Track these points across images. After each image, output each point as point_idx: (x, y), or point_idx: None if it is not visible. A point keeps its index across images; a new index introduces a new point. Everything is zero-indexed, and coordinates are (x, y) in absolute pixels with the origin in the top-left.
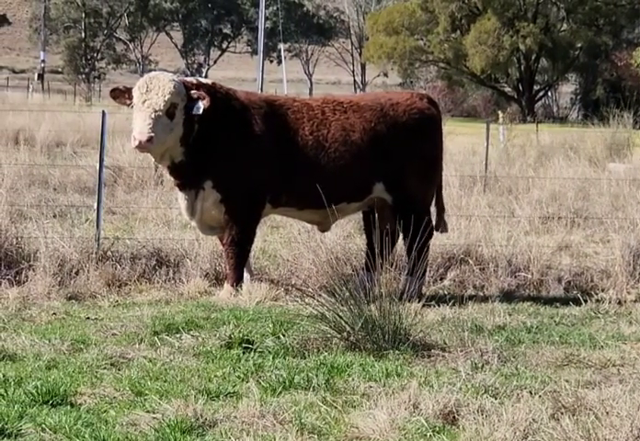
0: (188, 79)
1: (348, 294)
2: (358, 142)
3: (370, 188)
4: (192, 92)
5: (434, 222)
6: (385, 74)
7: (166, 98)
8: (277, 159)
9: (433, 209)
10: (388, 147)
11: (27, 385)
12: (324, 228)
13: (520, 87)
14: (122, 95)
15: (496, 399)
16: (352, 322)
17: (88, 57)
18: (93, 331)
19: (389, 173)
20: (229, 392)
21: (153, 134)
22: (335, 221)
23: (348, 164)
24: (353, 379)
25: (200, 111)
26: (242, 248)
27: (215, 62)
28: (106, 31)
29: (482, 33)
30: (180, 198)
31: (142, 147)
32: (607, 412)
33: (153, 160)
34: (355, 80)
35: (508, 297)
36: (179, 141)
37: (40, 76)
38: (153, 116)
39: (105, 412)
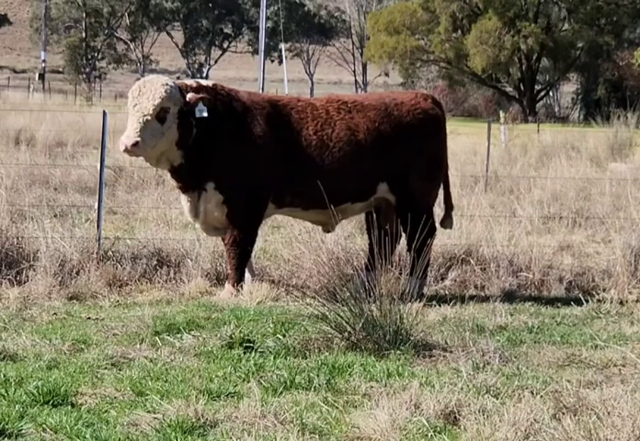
0: (188, 82)
1: (348, 294)
2: (362, 142)
3: (374, 188)
4: (189, 96)
5: (440, 218)
6: (386, 74)
7: (156, 103)
8: (280, 159)
9: (442, 208)
10: (392, 147)
11: (27, 385)
12: (328, 228)
13: (522, 87)
14: None
15: (497, 399)
16: (353, 322)
17: (89, 57)
18: (94, 331)
19: (393, 173)
20: (230, 392)
21: (139, 139)
22: (339, 222)
23: (353, 164)
24: (354, 379)
25: (205, 114)
26: (243, 248)
27: (216, 61)
28: (107, 31)
29: (483, 33)
30: (183, 200)
31: (128, 151)
32: (608, 413)
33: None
34: (356, 80)
35: (509, 297)
36: (175, 144)
37: (41, 76)
38: (141, 120)
39: (106, 412)
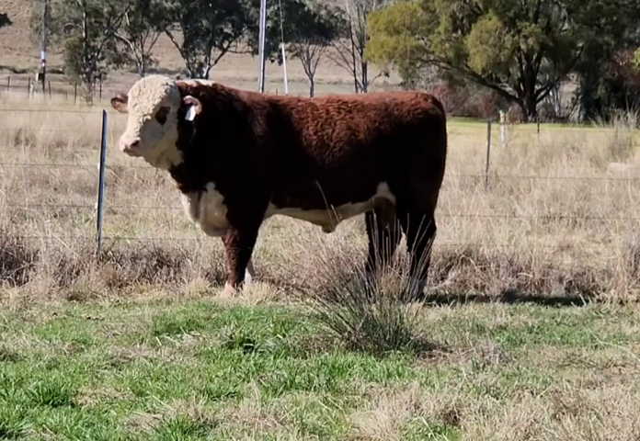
0: (189, 82)
1: (348, 294)
2: (362, 142)
3: (374, 188)
4: (186, 98)
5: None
6: (386, 74)
7: (156, 103)
8: (280, 159)
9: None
10: (392, 147)
11: (27, 385)
12: (328, 228)
13: (522, 87)
14: (122, 103)
15: (497, 399)
16: (353, 322)
17: (89, 57)
18: (94, 331)
19: (393, 173)
20: (230, 392)
21: (139, 138)
22: (339, 222)
23: (353, 164)
24: (354, 379)
25: (192, 117)
26: (243, 248)
27: (216, 61)
28: (107, 31)
29: (483, 33)
30: (183, 200)
31: (128, 151)
32: (608, 413)
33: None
34: (356, 79)
35: (509, 297)
36: (175, 144)
37: (41, 76)
38: (141, 120)
39: (106, 412)
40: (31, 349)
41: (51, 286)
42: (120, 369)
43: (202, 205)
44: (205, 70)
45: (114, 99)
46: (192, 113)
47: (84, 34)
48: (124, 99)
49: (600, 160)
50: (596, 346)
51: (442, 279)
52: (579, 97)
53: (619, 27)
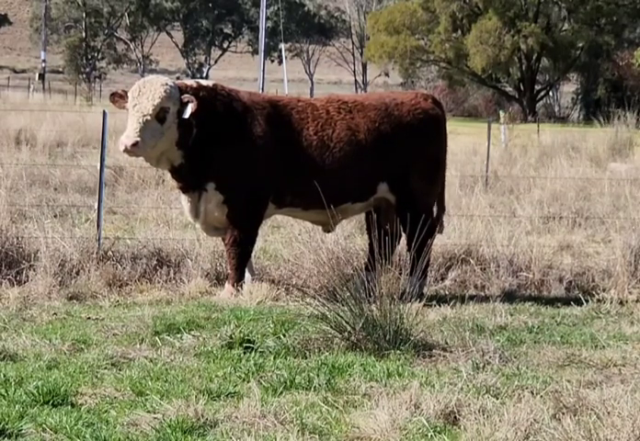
0: (189, 82)
1: (348, 294)
2: (362, 142)
3: (374, 188)
4: (183, 96)
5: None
6: (386, 74)
7: (155, 103)
8: (280, 159)
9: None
10: (392, 147)
11: (27, 385)
12: (328, 228)
13: (522, 87)
14: (121, 98)
15: (497, 399)
16: (353, 322)
17: (89, 57)
18: (94, 331)
19: (393, 173)
20: (230, 392)
21: (139, 139)
22: (339, 222)
23: (353, 164)
24: (354, 379)
25: (187, 115)
26: (243, 248)
27: (216, 61)
28: (106, 31)
29: (483, 33)
30: (183, 201)
31: (128, 151)
32: (608, 413)
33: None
34: (356, 80)
35: (509, 297)
36: (175, 144)
37: (41, 76)
38: (141, 120)
39: (106, 412)
40: (31, 349)
41: (51, 286)
42: (120, 369)
43: (202, 205)
44: (205, 70)
45: (113, 94)
46: (189, 110)
47: (84, 34)
48: (124, 95)
49: (600, 160)
50: (596, 346)
51: (442, 279)
52: (579, 97)
53: (619, 27)
